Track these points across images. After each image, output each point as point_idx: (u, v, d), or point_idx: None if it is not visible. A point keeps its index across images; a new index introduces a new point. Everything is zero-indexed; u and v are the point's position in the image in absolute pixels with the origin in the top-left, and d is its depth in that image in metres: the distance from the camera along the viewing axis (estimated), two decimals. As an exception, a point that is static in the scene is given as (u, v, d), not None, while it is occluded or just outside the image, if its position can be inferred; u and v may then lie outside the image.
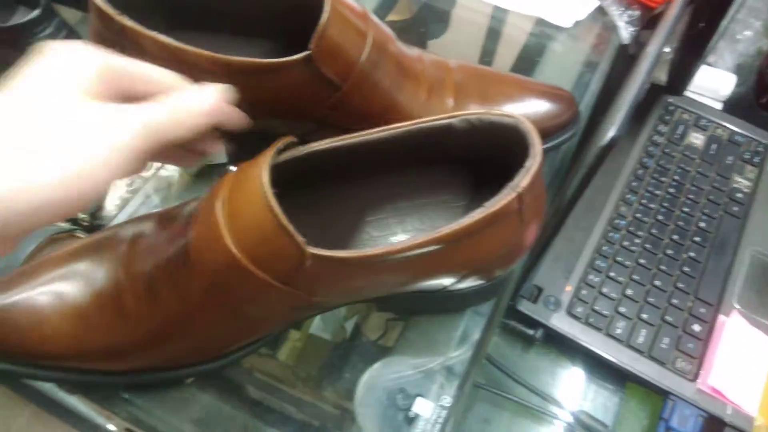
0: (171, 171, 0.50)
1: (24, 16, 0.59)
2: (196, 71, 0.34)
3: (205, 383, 0.43)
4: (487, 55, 0.67)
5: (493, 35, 0.69)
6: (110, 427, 0.44)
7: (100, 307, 0.33)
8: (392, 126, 0.34)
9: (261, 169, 0.30)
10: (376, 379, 0.38)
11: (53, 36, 0.62)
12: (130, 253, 0.35)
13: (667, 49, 0.67)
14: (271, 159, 0.31)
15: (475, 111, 0.35)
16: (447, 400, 0.36)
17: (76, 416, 0.45)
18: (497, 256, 0.36)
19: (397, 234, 0.41)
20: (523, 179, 0.33)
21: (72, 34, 0.63)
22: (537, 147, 0.33)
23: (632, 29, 0.65)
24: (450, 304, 0.43)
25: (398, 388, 0.37)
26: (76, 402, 0.40)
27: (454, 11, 0.71)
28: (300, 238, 0.29)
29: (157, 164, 0.50)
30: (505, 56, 0.66)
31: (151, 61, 0.34)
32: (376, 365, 0.39)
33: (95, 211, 0.49)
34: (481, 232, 0.33)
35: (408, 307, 0.43)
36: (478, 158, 0.39)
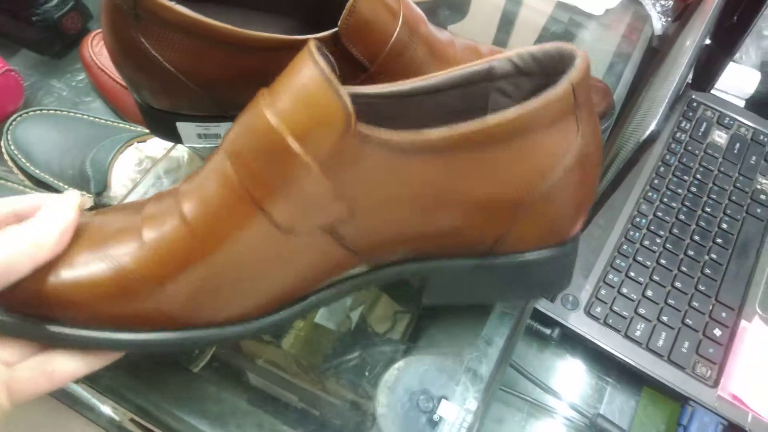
0: (182, 151, 0.47)
1: (29, -15, 0.57)
2: (213, 46, 0.32)
3: (210, 372, 0.41)
4: (506, 41, 0.65)
5: (512, 20, 0.67)
6: (114, 415, 0.42)
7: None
8: (433, 74, 0.31)
9: (310, 45, 0.27)
10: (397, 379, 0.36)
11: (59, 8, 0.59)
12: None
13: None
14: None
15: (514, 51, 0.32)
16: (473, 404, 0.34)
17: (77, 400, 0.43)
18: (559, 182, 0.31)
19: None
20: (573, 72, 0.29)
21: (79, 5, 0.61)
22: (583, 53, 0.30)
23: (665, 20, 0.62)
24: (509, 285, 0.37)
25: (421, 390, 0.35)
26: (80, 390, 0.38)
27: (475, -4, 0.68)
28: (347, 99, 0.26)
29: (168, 144, 0.48)
30: (527, 42, 0.64)
31: (167, 34, 0.31)
32: (398, 364, 0.37)
33: (101, 191, 0.47)
34: (535, 129, 0.29)
35: (460, 293, 0.37)
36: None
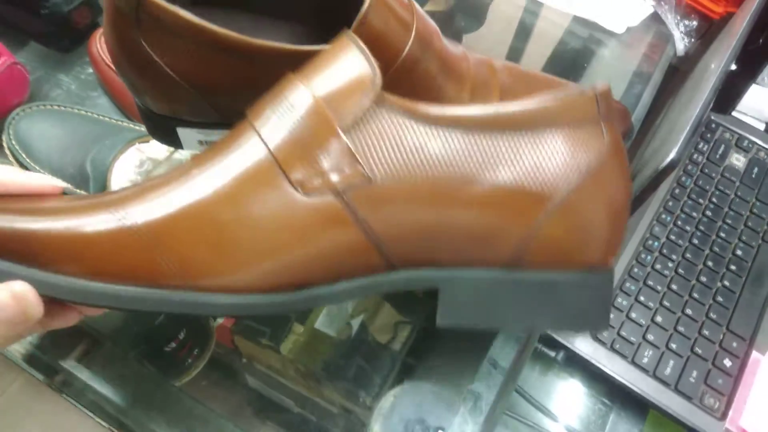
0: (185, 155, 0.47)
1: (38, -22, 0.56)
2: (216, 52, 0.31)
3: (196, 391, 0.40)
4: (521, 52, 0.64)
5: (528, 32, 0.66)
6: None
7: None
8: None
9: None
10: (393, 407, 0.35)
11: (69, 1, 0.58)
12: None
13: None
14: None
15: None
16: (471, 437, 0.33)
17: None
18: (585, 188, 0.31)
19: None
20: (596, 86, 0.31)
21: (89, 0, 0.60)
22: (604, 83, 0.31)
23: (688, 40, 0.61)
24: (533, 310, 0.34)
25: (417, 419, 0.34)
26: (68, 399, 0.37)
27: (492, 5, 0.67)
28: (375, 65, 0.28)
29: (170, 147, 0.47)
30: (542, 54, 0.63)
31: (170, 39, 0.30)
32: (394, 391, 0.36)
33: (100, 191, 0.46)
34: (558, 124, 0.30)
35: (478, 312, 0.34)
36: None
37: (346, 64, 0.28)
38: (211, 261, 0.27)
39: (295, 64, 0.30)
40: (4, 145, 0.51)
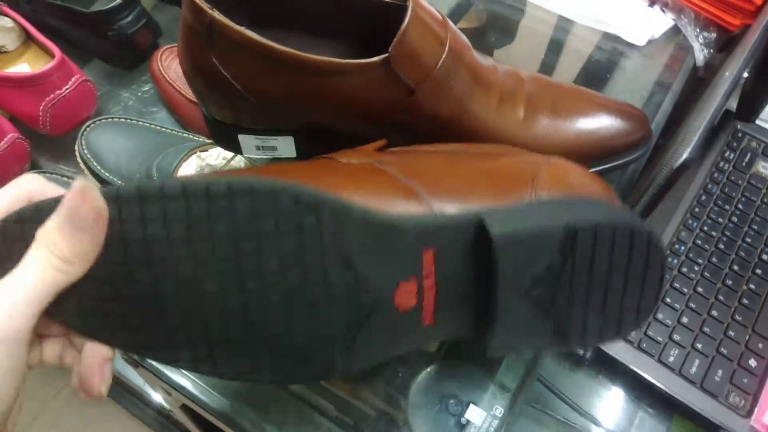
0: (239, 162, 0.51)
1: (106, 3, 0.62)
2: (277, 67, 0.35)
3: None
4: (551, 68, 0.67)
5: (559, 48, 0.69)
6: (164, 403, 0.45)
7: None
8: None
9: None
10: (429, 383, 0.38)
11: (132, 24, 0.64)
12: None
13: (745, 75, 0.65)
14: None
15: None
16: (499, 411, 0.36)
17: (122, 391, 0.46)
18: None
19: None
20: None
21: (150, 23, 0.66)
22: None
23: (707, 51, 0.63)
24: None
25: (451, 394, 0.37)
26: (134, 376, 0.41)
27: (522, 22, 0.71)
28: None
29: (226, 154, 0.51)
30: (572, 70, 0.66)
31: (237, 55, 0.35)
32: (430, 368, 0.39)
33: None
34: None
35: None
36: None
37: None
38: None
39: (344, 76, 0.34)
40: (77, 154, 0.56)
